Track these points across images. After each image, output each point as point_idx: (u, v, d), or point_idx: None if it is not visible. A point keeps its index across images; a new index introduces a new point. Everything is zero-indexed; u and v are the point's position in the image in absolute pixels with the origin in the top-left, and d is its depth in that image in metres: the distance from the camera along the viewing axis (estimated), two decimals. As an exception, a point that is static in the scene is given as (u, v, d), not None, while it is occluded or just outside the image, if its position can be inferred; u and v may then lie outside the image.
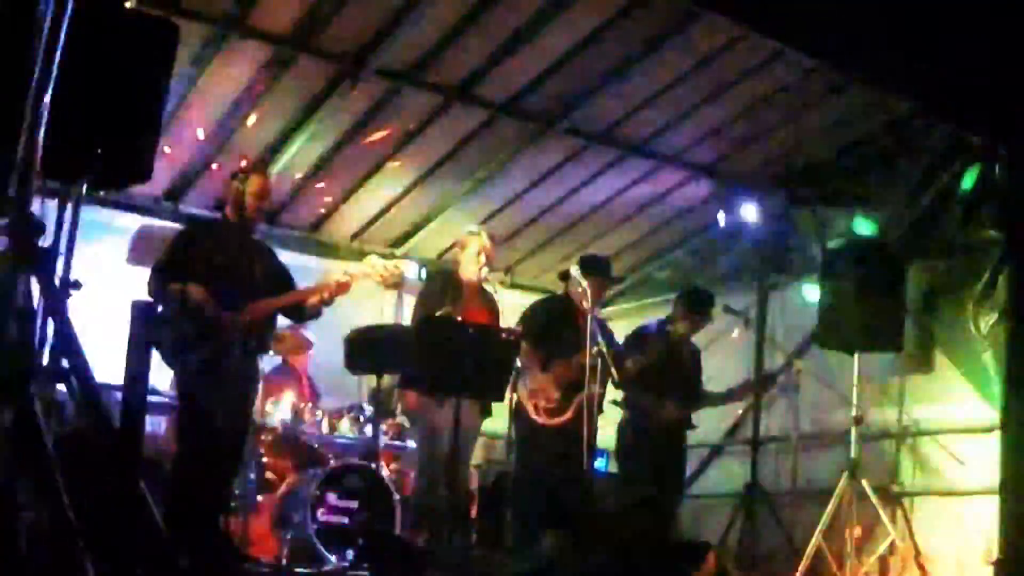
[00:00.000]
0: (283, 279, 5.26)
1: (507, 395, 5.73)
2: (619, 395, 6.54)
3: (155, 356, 4.20)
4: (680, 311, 6.70)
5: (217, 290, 4.90)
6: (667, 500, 6.69)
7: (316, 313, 5.36)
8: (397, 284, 5.70)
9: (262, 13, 6.00)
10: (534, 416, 5.98)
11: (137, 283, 5.15)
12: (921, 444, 7.29)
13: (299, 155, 7.24)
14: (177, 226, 7.30)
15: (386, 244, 8.46)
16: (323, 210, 8.06)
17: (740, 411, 8.42)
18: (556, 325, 6.15)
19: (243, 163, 5.55)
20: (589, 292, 5.88)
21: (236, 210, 5.13)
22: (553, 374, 6.03)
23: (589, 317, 5.83)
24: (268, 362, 6.92)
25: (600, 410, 6.15)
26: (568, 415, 5.96)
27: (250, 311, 4.97)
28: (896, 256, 6.88)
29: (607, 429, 6.57)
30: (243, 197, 5.08)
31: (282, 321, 6.21)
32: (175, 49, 3.77)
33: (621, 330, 6.99)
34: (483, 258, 5.89)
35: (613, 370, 5.83)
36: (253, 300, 5.01)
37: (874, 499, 6.28)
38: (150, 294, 4.95)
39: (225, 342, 4.85)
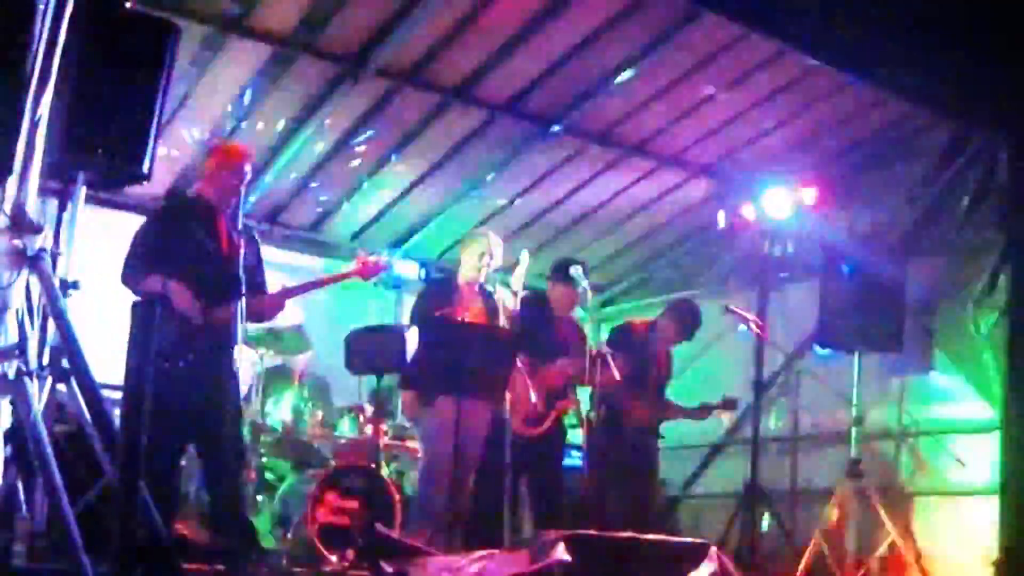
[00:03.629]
0: (257, 266, 5.07)
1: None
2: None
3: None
4: (670, 322, 6.79)
5: (199, 281, 4.69)
6: (638, 501, 6.71)
7: (274, 315, 5.28)
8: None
9: (262, 13, 6.00)
10: (515, 427, 5.74)
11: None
12: (921, 444, 7.29)
13: (299, 155, 7.24)
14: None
15: (386, 244, 8.46)
16: (323, 210, 8.05)
17: (740, 411, 8.42)
18: (535, 327, 5.98)
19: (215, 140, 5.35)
20: (589, 293, 5.89)
21: (212, 188, 4.93)
22: (536, 381, 5.83)
23: (589, 320, 5.84)
24: (267, 362, 6.92)
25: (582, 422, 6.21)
26: (547, 425, 5.94)
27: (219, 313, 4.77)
28: (896, 256, 6.88)
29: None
30: (219, 171, 4.91)
31: (283, 322, 6.22)
32: (175, 49, 3.77)
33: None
34: (486, 260, 5.87)
35: (614, 370, 5.82)
36: (237, 290, 4.74)
37: (874, 499, 6.29)
38: (126, 284, 4.70)
39: (199, 343, 4.67)
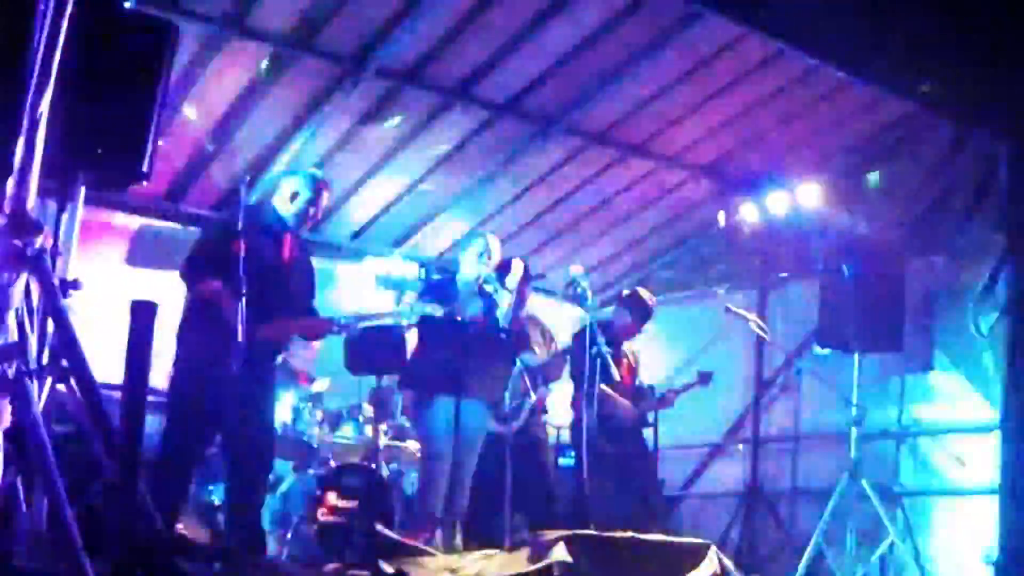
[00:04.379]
0: (310, 290, 5.17)
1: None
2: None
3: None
4: (625, 313, 6.81)
5: (253, 295, 4.65)
6: (638, 496, 6.71)
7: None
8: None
9: (262, 13, 6.00)
10: (488, 427, 5.81)
11: (137, 283, 5.12)
12: (921, 444, 7.30)
13: (299, 155, 7.24)
14: (177, 226, 7.33)
15: (386, 244, 8.46)
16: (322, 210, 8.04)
17: (740, 411, 8.42)
18: None
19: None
20: (589, 293, 5.91)
21: (289, 210, 5.03)
22: None
23: (589, 320, 5.86)
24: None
25: (544, 411, 6.21)
26: (521, 421, 5.94)
27: (273, 329, 4.86)
28: (896, 255, 6.89)
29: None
30: (298, 197, 5.03)
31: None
32: (174, 49, 3.77)
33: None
34: (485, 259, 5.87)
35: (614, 370, 5.83)
36: (287, 308, 4.91)
37: (874, 499, 6.29)
38: (183, 279, 4.82)
39: (253, 357, 4.65)
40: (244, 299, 4.66)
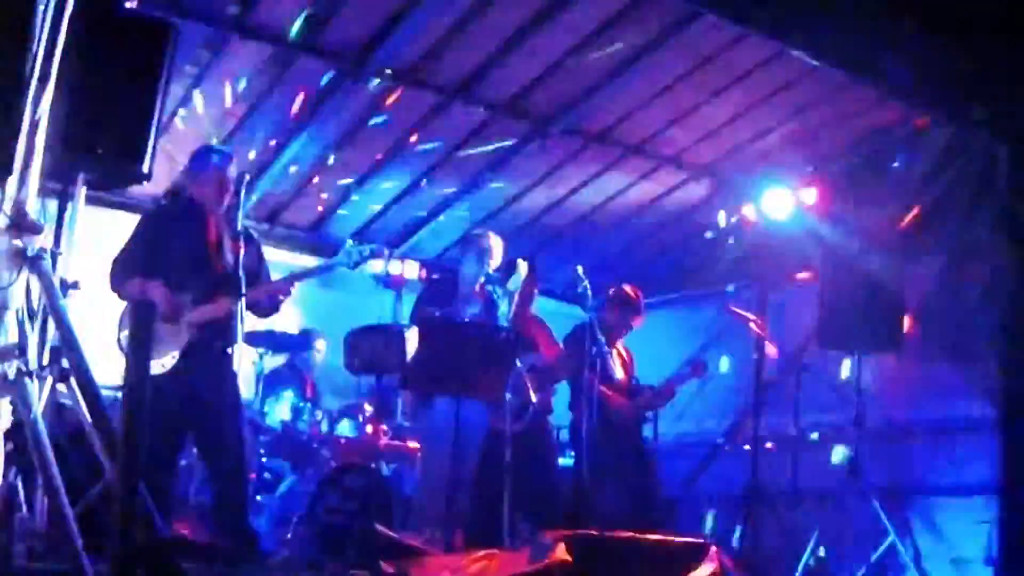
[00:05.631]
0: (255, 268, 5.04)
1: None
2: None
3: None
4: (616, 309, 6.79)
5: (184, 282, 4.72)
6: (637, 492, 6.70)
7: (272, 309, 5.21)
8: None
9: (262, 13, 6.00)
10: (494, 425, 5.76)
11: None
12: (921, 444, 7.29)
13: (299, 155, 7.24)
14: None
15: (386, 244, 8.46)
16: (323, 210, 8.05)
17: (740, 411, 8.42)
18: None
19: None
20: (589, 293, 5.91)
21: (197, 189, 4.97)
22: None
23: (589, 320, 5.86)
24: (271, 361, 6.93)
25: (548, 412, 6.21)
26: (527, 421, 5.94)
27: (204, 311, 4.79)
28: (896, 255, 6.88)
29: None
30: (199, 173, 4.97)
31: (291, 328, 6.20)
32: (174, 50, 3.78)
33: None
34: (486, 259, 5.87)
35: (615, 369, 5.84)
36: (224, 289, 4.78)
37: (874, 499, 6.29)
38: (111, 289, 4.76)
39: (188, 343, 4.69)
40: (243, 299, 4.65)
